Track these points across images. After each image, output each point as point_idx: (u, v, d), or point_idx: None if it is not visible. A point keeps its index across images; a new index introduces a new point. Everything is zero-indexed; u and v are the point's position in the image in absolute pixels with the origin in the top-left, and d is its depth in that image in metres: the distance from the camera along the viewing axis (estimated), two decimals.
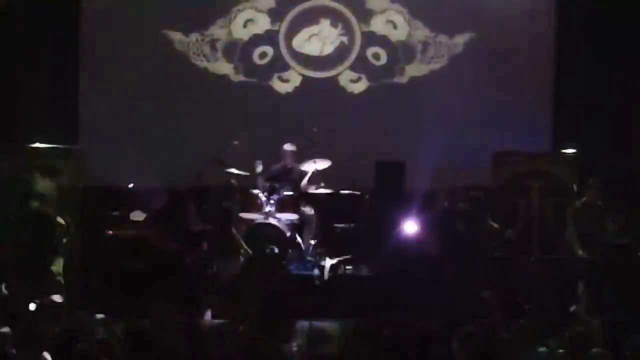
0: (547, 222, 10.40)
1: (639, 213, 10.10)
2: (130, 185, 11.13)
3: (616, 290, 9.13)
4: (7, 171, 10.26)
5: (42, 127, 11.13)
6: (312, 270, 10.71)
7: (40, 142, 10.67)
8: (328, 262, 10.75)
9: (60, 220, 9.29)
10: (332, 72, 12.53)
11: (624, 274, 9.25)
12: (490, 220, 9.75)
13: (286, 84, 12.52)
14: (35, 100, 11.74)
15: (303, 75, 12.50)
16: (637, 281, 9.15)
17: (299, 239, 11.02)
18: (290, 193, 11.09)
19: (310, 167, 11.36)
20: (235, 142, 11.18)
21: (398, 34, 12.59)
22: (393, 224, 10.94)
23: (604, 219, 9.62)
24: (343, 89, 12.53)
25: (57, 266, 9.13)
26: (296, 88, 12.50)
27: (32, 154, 10.51)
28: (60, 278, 9.11)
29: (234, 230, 10.17)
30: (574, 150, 10.90)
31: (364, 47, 12.57)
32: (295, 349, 6.46)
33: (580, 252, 9.38)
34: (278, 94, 12.52)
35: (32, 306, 8.18)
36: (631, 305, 8.66)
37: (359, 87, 12.53)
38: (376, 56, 12.60)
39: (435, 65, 12.56)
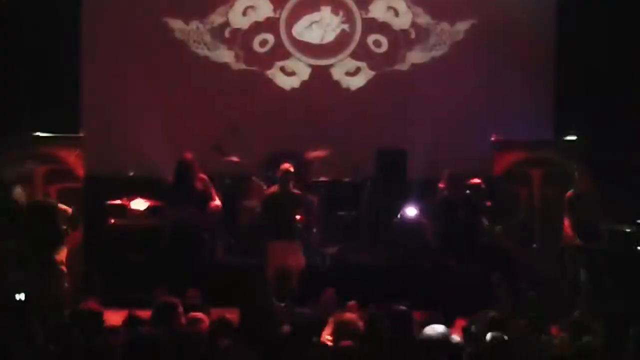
0: (548, 210, 10.42)
1: (639, 201, 10.13)
2: (131, 174, 11.13)
3: (617, 279, 9.16)
4: (9, 160, 10.24)
5: (43, 116, 11.11)
6: (314, 258, 10.73)
7: (42, 131, 10.66)
8: (330, 250, 10.77)
9: (64, 207, 9.30)
10: (333, 60, 12.52)
11: (624, 263, 9.28)
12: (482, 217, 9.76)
13: (291, 77, 12.51)
14: (36, 89, 11.71)
15: (310, 66, 12.50)
16: (637, 270, 9.19)
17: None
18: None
19: (312, 154, 11.38)
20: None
21: (399, 21, 12.56)
22: (394, 212, 10.97)
23: (597, 207, 9.63)
24: (344, 77, 12.52)
25: (60, 255, 9.13)
26: (303, 82, 12.50)
27: (34, 143, 10.50)
28: (63, 267, 9.12)
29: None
30: (575, 138, 10.89)
31: (365, 35, 12.55)
32: None
33: (577, 241, 9.39)
34: (280, 84, 12.53)
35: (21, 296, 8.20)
36: (632, 294, 8.68)
37: (360, 74, 12.52)
38: (377, 43, 12.58)
39: (437, 53, 12.54)
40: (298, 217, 10.11)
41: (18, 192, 9.48)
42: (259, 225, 10.26)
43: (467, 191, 9.68)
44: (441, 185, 10.95)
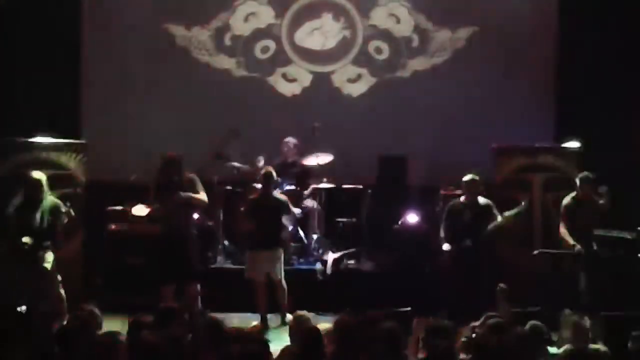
0: (549, 217, 10.43)
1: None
2: (133, 177, 11.13)
3: (616, 284, 9.17)
4: (10, 166, 10.25)
5: (45, 121, 11.12)
6: (314, 264, 10.74)
7: (44, 137, 10.68)
8: (331, 256, 10.77)
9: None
10: (334, 67, 12.53)
11: (624, 270, 9.29)
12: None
13: (293, 83, 12.52)
14: (38, 95, 11.72)
15: (311, 72, 12.51)
16: (637, 277, 9.19)
17: (301, 233, 11.03)
18: (293, 187, 11.08)
19: (313, 161, 11.38)
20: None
21: (400, 28, 12.58)
22: (395, 218, 10.97)
23: (593, 213, 9.64)
24: (345, 83, 12.53)
25: (50, 262, 9.10)
26: (304, 88, 12.51)
27: (35, 149, 10.51)
28: (55, 273, 9.09)
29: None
30: (576, 145, 10.89)
31: (366, 41, 12.57)
32: None
33: (577, 247, 9.41)
34: (281, 90, 12.54)
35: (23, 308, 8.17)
36: (631, 300, 8.68)
37: (361, 81, 12.53)
38: (378, 50, 12.60)
39: (438, 60, 12.56)
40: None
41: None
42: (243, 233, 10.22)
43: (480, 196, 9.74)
44: (443, 191, 11.00)
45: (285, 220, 10.24)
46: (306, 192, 11.21)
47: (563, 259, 9.66)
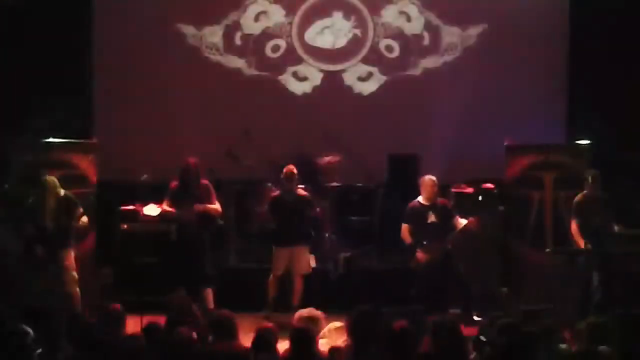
0: (560, 214, 10.40)
1: None
2: (144, 177, 11.15)
3: (630, 282, 9.14)
4: (22, 166, 10.27)
5: (56, 121, 11.15)
6: (326, 264, 10.73)
7: (55, 137, 10.71)
8: (342, 255, 10.77)
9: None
10: (345, 65, 12.52)
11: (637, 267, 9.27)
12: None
13: (303, 82, 12.52)
14: (49, 94, 11.74)
15: (322, 71, 12.50)
16: None
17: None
18: (304, 186, 11.07)
19: (324, 160, 11.38)
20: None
21: (411, 26, 12.57)
22: None
23: (605, 210, 9.61)
24: (356, 82, 12.53)
25: (69, 259, 9.15)
26: (315, 87, 12.51)
27: (47, 149, 10.54)
28: (74, 272, 9.15)
29: None
30: (587, 142, 10.87)
31: (376, 40, 12.56)
32: None
33: (585, 245, 9.39)
34: (292, 89, 12.55)
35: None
36: None
37: (372, 79, 12.52)
38: (389, 48, 12.59)
39: (449, 57, 12.53)
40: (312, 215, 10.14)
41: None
42: (267, 230, 10.26)
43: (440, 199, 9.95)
44: (454, 189, 11.01)
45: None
46: (317, 191, 11.20)
47: (575, 257, 9.64)
